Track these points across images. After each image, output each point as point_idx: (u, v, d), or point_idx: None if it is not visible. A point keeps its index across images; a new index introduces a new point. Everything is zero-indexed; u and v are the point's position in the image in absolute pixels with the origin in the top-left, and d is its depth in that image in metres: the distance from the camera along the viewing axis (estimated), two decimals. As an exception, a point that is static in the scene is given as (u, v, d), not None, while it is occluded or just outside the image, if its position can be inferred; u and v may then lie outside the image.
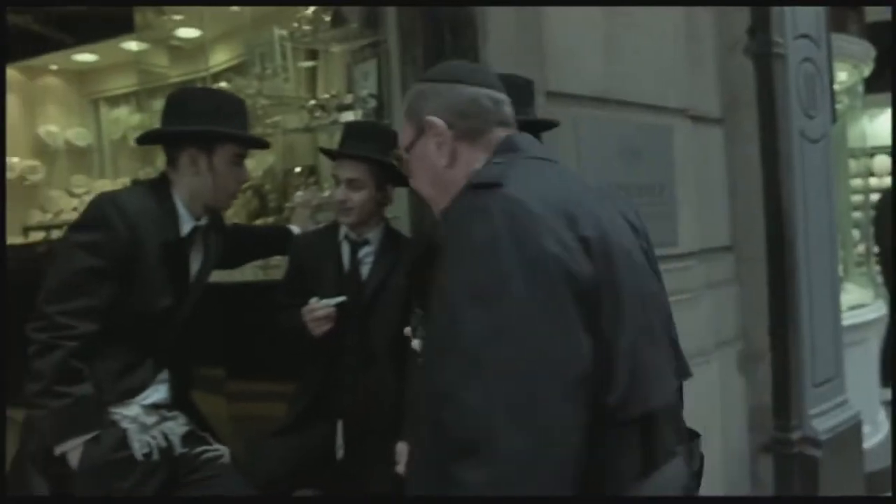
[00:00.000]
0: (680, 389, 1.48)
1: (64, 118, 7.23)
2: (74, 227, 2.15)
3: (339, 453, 2.41)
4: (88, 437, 2.02)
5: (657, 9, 3.75)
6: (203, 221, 2.26)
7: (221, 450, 2.26)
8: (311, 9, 3.72)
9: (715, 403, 3.55)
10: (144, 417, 2.13)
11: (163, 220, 2.16)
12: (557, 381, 1.19)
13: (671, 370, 1.41)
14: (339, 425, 2.42)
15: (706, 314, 3.52)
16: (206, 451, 2.23)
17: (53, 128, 7.14)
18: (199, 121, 2.19)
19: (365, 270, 2.45)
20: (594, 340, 1.24)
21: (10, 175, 6.90)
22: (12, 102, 7.04)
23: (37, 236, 6.73)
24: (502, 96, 1.52)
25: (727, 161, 3.92)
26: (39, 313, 2.03)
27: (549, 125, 2.18)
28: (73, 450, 2.02)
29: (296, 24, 3.87)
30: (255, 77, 4.16)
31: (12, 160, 6.95)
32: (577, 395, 1.20)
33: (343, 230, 2.49)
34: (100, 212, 2.09)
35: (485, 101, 1.49)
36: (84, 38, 6.15)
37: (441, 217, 1.50)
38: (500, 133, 1.49)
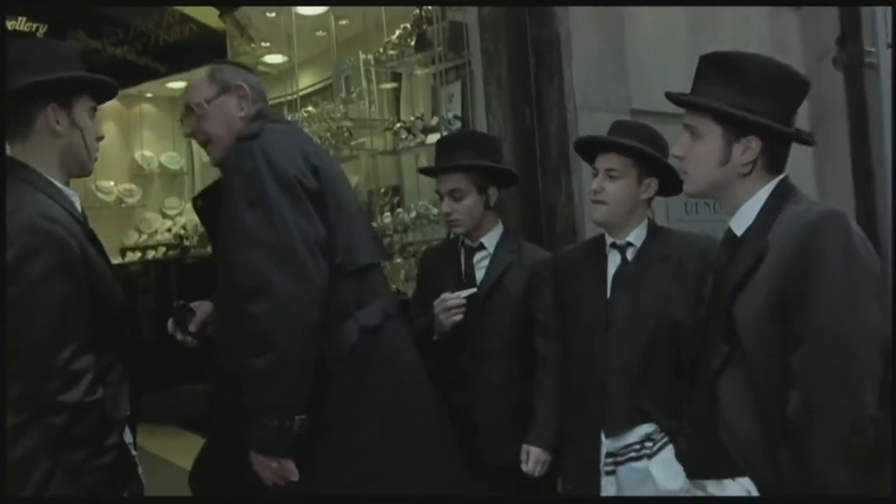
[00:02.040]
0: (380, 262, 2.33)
1: (158, 143, 7.56)
2: (19, 261, 1.74)
3: None
4: (133, 481, 1.91)
5: (742, 21, 3.71)
6: (75, 192, 1.98)
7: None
8: (396, 33, 3.81)
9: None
10: (131, 437, 1.98)
11: (65, 206, 1.88)
12: (305, 245, 1.96)
13: (374, 245, 2.25)
14: None
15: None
16: None
17: (148, 152, 7.47)
18: (44, 73, 1.86)
19: (480, 274, 2.46)
20: (324, 223, 2.03)
21: (108, 198, 7.24)
22: (110, 129, 7.40)
23: (133, 256, 7.04)
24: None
25: (817, 175, 3.83)
26: (50, 372, 1.72)
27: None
28: None
29: (381, 49, 3.96)
30: (341, 101, 4.28)
31: (109, 184, 7.29)
32: (317, 254, 1.98)
33: (461, 239, 2.52)
34: (35, 232, 1.76)
35: (259, 84, 2.27)
36: (177, 66, 6.42)
37: (225, 157, 2.17)
38: (260, 104, 2.25)
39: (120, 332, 1.97)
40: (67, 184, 1.95)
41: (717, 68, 1.73)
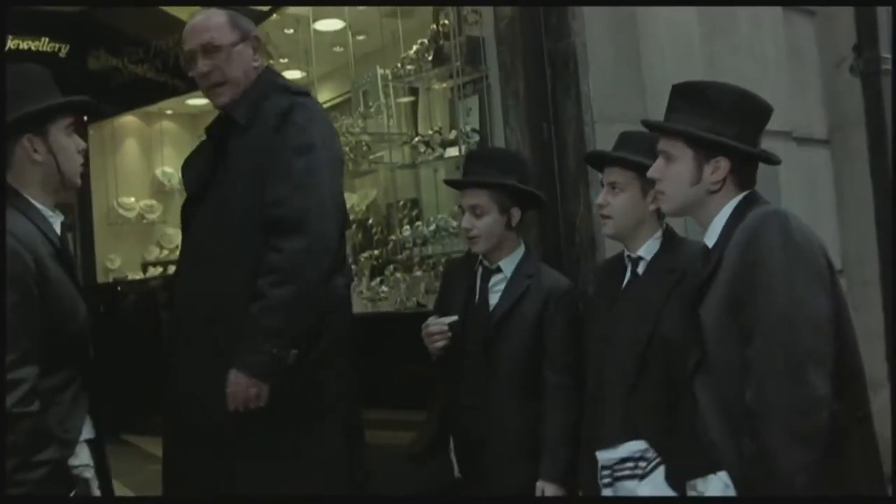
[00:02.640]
0: None
1: (178, 159, 7.57)
2: None
3: (455, 471, 2.46)
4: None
5: (758, 30, 3.72)
6: (61, 216, 2.05)
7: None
8: (414, 48, 3.85)
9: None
10: (89, 459, 1.98)
11: (39, 225, 1.94)
12: (333, 202, 2.27)
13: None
14: (451, 444, 2.48)
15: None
16: None
17: (169, 168, 7.54)
18: (17, 104, 1.93)
19: (494, 298, 2.43)
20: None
21: (129, 214, 7.33)
22: (132, 147, 7.50)
23: (155, 272, 7.11)
24: None
25: (835, 183, 3.83)
26: None
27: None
28: None
29: (398, 65, 4.00)
30: (360, 115, 4.32)
31: (130, 200, 7.37)
32: (339, 213, 2.32)
33: (479, 257, 2.50)
34: None
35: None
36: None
37: (233, 100, 2.37)
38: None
39: (80, 354, 2.00)
40: (54, 202, 2.02)
41: (688, 97, 1.87)
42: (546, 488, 2.29)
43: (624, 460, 2.14)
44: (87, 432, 1.98)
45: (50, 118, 1.98)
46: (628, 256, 2.27)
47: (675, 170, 1.86)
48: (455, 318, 2.39)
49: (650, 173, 1.92)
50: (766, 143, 3.30)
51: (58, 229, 2.00)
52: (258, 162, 2.26)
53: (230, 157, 2.33)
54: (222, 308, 2.26)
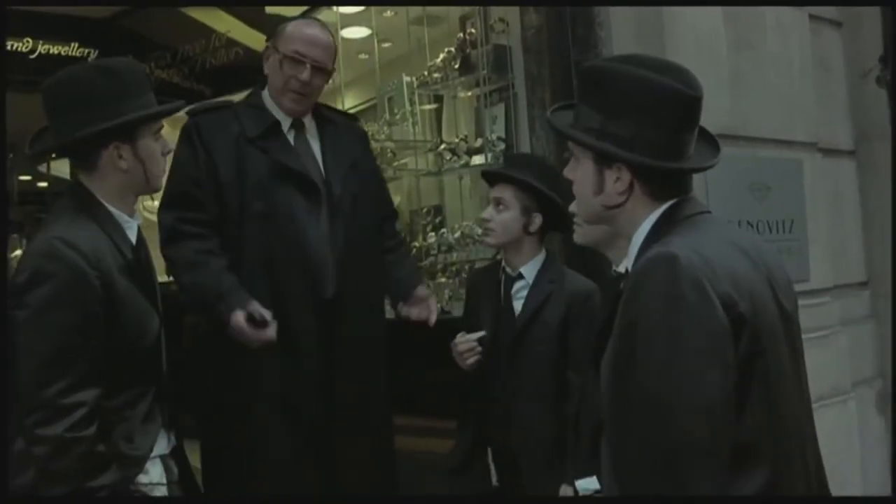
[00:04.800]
0: None
1: (203, 163, 7.67)
2: (27, 285, 1.72)
3: (493, 479, 2.46)
4: None
5: (783, 40, 3.72)
6: (139, 218, 1.98)
7: None
8: (440, 56, 3.89)
9: (853, 444, 3.43)
10: (161, 476, 1.89)
11: (112, 236, 1.86)
12: None
13: None
14: (489, 453, 2.48)
15: (841, 352, 3.42)
16: None
17: (193, 172, 7.59)
18: (108, 108, 1.83)
19: (518, 305, 2.43)
20: None
21: (155, 217, 7.39)
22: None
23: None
24: None
25: (861, 194, 3.82)
26: (36, 403, 1.67)
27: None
28: None
29: (425, 72, 4.04)
30: (385, 122, 4.35)
31: (156, 203, 7.42)
32: None
33: (502, 264, 2.52)
34: (48, 258, 1.74)
35: None
36: (223, 89, 6.56)
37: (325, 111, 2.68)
38: None
39: (152, 369, 1.92)
40: (130, 208, 1.94)
41: (585, 84, 1.49)
42: (568, 492, 2.26)
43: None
44: (161, 447, 1.90)
45: (142, 124, 1.90)
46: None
47: (580, 175, 1.48)
48: (483, 333, 2.40)
49: (565, 172, 1.54)
50: (792, 154, 3.34)
51: (134, 235, 1.92)
52: (362, 168, 2.65)
53: (338, 158, 2.59)
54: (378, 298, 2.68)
